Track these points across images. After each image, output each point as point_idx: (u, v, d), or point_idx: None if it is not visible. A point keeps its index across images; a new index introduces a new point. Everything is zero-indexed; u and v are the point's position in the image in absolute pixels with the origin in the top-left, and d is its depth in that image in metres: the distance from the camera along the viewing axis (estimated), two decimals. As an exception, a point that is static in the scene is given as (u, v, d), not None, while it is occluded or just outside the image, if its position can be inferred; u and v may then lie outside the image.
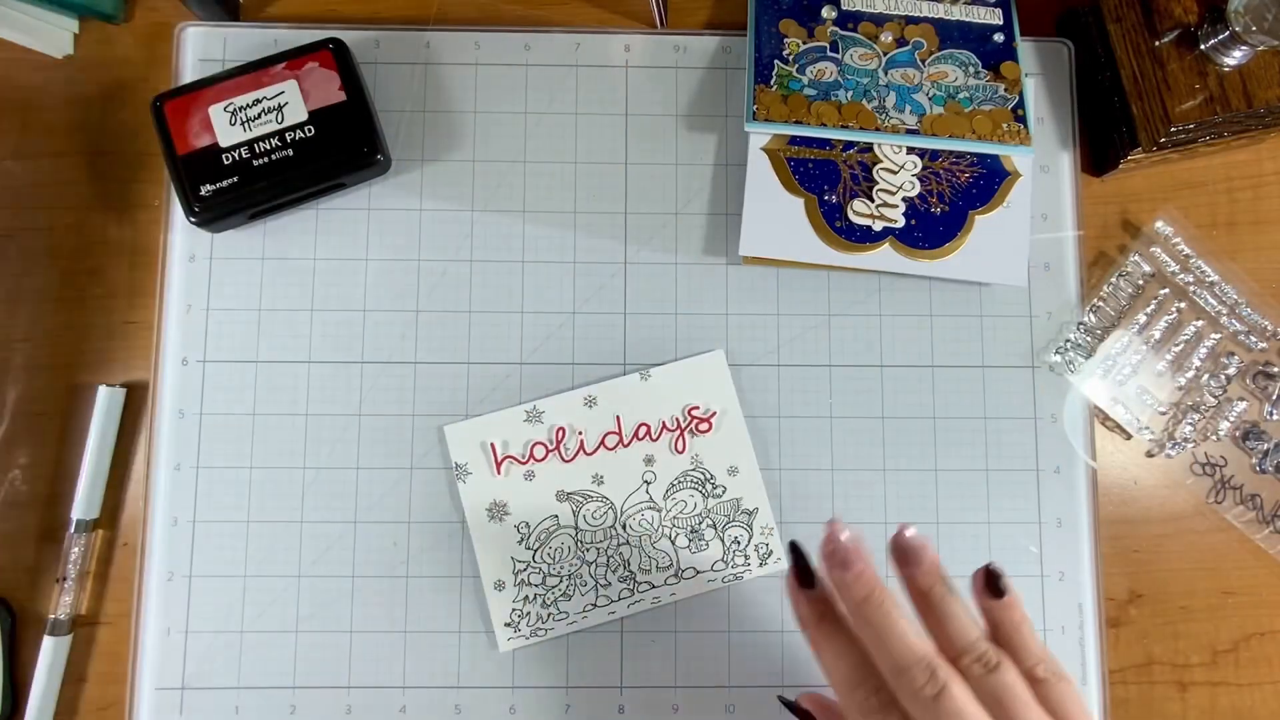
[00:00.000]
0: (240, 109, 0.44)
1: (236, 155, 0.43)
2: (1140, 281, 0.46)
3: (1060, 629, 0.44)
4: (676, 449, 0.44)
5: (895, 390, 0.46)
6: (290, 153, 0.43)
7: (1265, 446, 0.45)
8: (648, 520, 0.44)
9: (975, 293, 0.46)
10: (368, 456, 0.45)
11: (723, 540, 0.44)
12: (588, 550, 0.44)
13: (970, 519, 0.45)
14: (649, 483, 0.44)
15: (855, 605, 0.34)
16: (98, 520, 0.45)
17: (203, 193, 0.43)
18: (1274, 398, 0.45)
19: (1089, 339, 0.45)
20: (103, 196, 0.47)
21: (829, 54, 0.46)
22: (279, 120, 0.44)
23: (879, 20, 0.47)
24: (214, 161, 0.43)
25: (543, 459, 0.44)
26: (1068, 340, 0.45)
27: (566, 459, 0.44)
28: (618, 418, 0.45)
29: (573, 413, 0.45)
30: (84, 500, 0.44)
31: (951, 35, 0.47)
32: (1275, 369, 0.45)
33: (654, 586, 0.44)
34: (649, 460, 0.44)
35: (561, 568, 0.44)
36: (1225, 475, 0.46)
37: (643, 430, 0.44)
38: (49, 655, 0.43)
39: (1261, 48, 0.40)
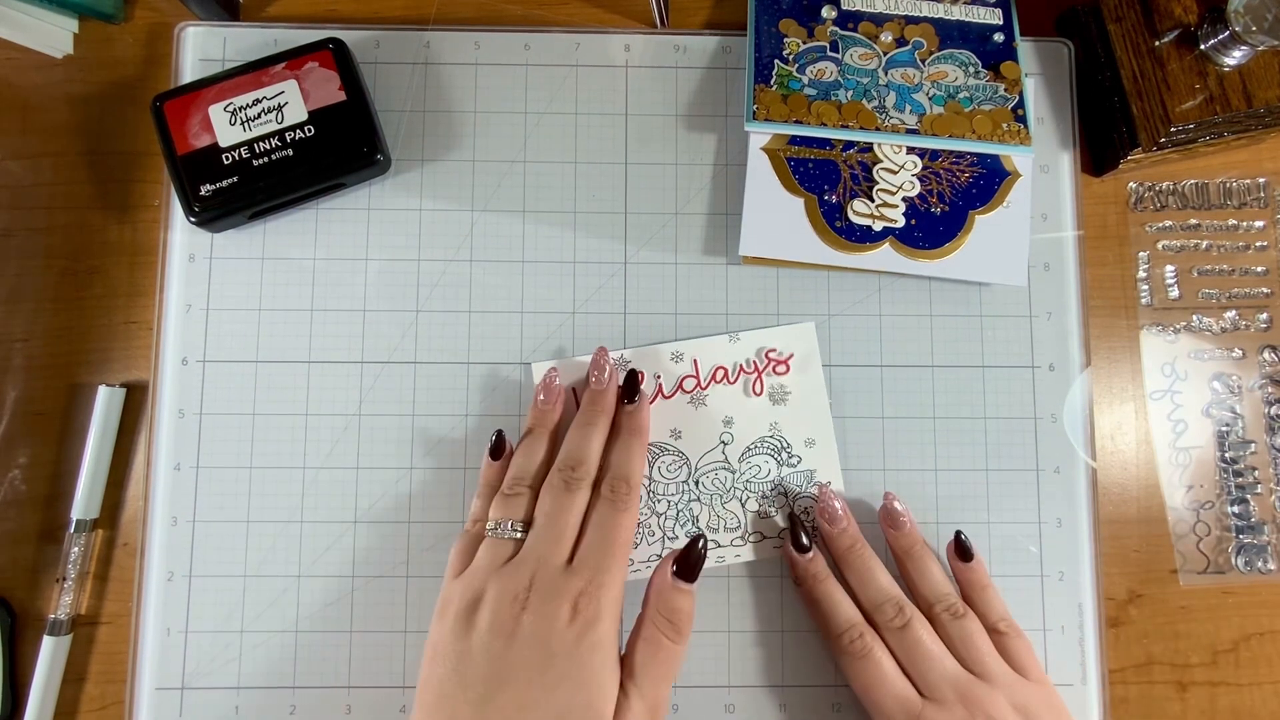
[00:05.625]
0: (240, 109, 0.44)
1: (236, 155, 0.43)
2: None
3: (1060, 629, 0.44)
4: (754, 391, 0.44)
5: (895, 390, 0.46)
6: (290, 153, 0.43)
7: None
8: (721, 480, 0.44)
9: (975, 293, 0.46)
10: (367, 456, 0.45)
11: (793, 509, 0.44)
12: (659, 501, 0.44)
13: (970, 519, 0.45)
14: (726, 443, 0.44)
15: (841, 553, 0.42)
16: (98, 520, 0.45)
17: (203, 193, 0.43)
18: None
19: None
20: (103, 196, 0.47)
21: (829, 54, 0.46)
22: (279, 120, 0.44)
23: (879, 20, 0.47)
24: (214, 161, 0.43)
25: None
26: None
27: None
28: (695, 361, 0.45)
29: (660, 366, 0.45)
30: (84, 500, 0.44)
31: (951, 35, 0.47)
32: None
33: (720, 546, 0.44)
34: (728, 421, 0.44)
35: None
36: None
37: (720, 374, 0.45)
38: (49, 655, 0.43)
39: (1261, 48, 0.40)
